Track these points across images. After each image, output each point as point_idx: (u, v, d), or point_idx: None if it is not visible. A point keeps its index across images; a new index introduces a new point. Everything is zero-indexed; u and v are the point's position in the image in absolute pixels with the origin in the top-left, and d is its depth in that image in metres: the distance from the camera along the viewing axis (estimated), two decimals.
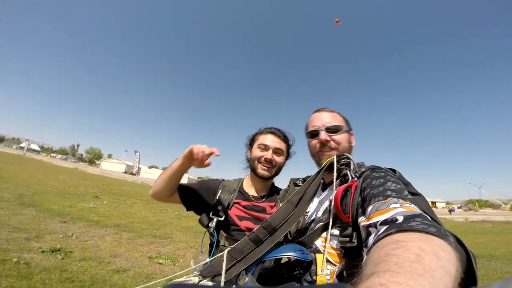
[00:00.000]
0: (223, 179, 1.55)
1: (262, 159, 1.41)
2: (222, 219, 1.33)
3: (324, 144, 1.15)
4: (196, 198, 1.43)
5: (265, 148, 1.42)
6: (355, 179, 0.93)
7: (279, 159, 1.44)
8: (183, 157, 1.22)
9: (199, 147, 1.19)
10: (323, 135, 1.14)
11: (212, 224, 1.32)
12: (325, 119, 1.18)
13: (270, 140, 1.44)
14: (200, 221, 1.41)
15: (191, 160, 1.21)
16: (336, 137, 1.14)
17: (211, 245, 1.35)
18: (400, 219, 0.59)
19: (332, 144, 1.14)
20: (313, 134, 1.19)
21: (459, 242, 0.57)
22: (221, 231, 1.34)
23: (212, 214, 1.35)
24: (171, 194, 1.38)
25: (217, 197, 1.40)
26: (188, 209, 1.47)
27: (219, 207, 1.36)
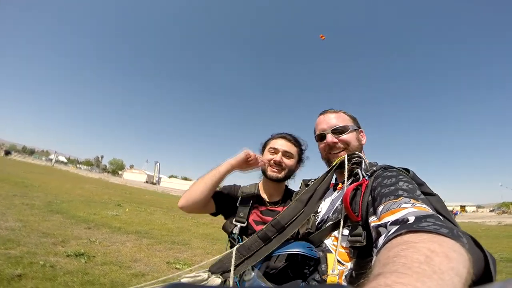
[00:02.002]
0: (240, 186, 1.57)
1: (272, 161, 1.44)
2: (244, 225, 1.37)
3: (332, 146, 1.15)
4: (224, 204, 1.47)
5: (275, 151, 1.46)
6: (366, 178, 0.92)
7: (289, 161, 1.46)
8: (237, 161, 1.35)
9: (251, 151, 1.37)
10: (330, 137, 1.15)
11: (236, 230, 1.36)
12: (330, 121, 1.18)
13: (280, 144, 1.48)
14: (224, 228, 1.45)
15: (245, 163, 1.36)
16: (344, 137, 1.14)
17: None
18: (412, 219, 0.58)
19: (340, 145, 1.14)
20: (321, 138, 1.20)
21: (476, 243, 0.55)
22: (244, 236, 1.37)
23: (235, 221, 1.39)
24: (208, 201, 1.39)
25: (238, 204, 1.45)
26: (216, 215, 1.51)
27: (241, 214, 1.40)
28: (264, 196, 1.51)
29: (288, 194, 1.53)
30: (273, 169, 1.44)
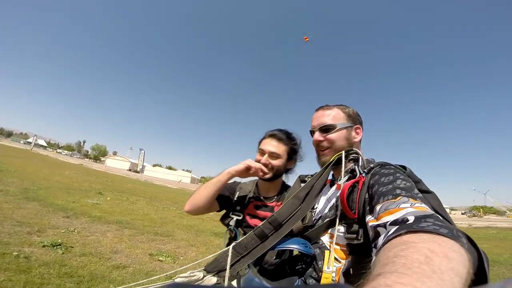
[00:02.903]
0: (240, 182, 1.66)
1: (260, 163, 1.50)
2: (240, 218, 1.48)
3: (318, 143, 1.16)
4: (226, 201, 1.58)
5: (262, 152, 1.50)
6: (363, 175, 0.91)
7: (275, 162, 1.49)
8: (237, 172, 1.43)
9: (252, 163, 1.45)
10: (316, 135, 1.16)
11: (232, 223, 1.47)
12: (321, 118, 1.17)
13: (267, 144, 1.51)
14: (222, 221, 1.55)
15: (245, 173, 1.45)
16: (330, 136, 1.13)
17: (229, 242, 1.47)
18: (411, 219, 0.57)
19: (325, 143, 1.14)
20: (312, 134, 1.20)
21: (471, 242, 0.54)
22: (239, 229, 1.47)
23: (232, 214, 1.50)
24: (211, 205, 1.51)
25: (235, 198, 1.56)
26: (220, 211, 1.62)
27: (238, 207, 1.51)
28: (261, 191, 1.59)
29: (283, 189, 1.59)
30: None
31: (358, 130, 1.18)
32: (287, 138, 1.52)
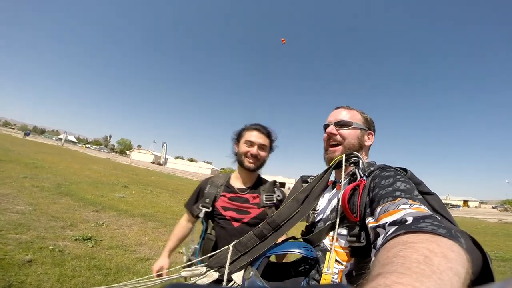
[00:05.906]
0: (212, 176, 1.76)
1: (249, 154, 1.58)
2: (209, 210, 1.55)
3: (330, 136, 1.16)
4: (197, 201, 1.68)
5: (251, 144, 1.59)
6: (364, 178, 0.91)
7: (263, 153, 1.62)
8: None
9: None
10: (330, 128, 1.16)
11: (201, 215, 1.55)
12: (338, 114, 1.18)
13: (255, 136, 1.60)
14: (191, 212, 1.65)
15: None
16: (343, 131, 1.13)
17: (202, 234, 1.60)
18: (410, 220, 0.58)
19: (338, 137, 1.14)
20: (325, 128, 1.21)
21: (475, 242, 0.55)
22: (209, 221, 1.57)
23: (201, 206, 1.57)
24: (192, 224, 1.80)
25: (205, 192, 1.63)
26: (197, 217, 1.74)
27: (207, 200, 1.57)
28: (235, 184, 1.66)
29: (258, 182, 1.69)
30: (250, 161, 1.58)
31: (370, 136, 1.19)
32: (268, 133, 1.64)
